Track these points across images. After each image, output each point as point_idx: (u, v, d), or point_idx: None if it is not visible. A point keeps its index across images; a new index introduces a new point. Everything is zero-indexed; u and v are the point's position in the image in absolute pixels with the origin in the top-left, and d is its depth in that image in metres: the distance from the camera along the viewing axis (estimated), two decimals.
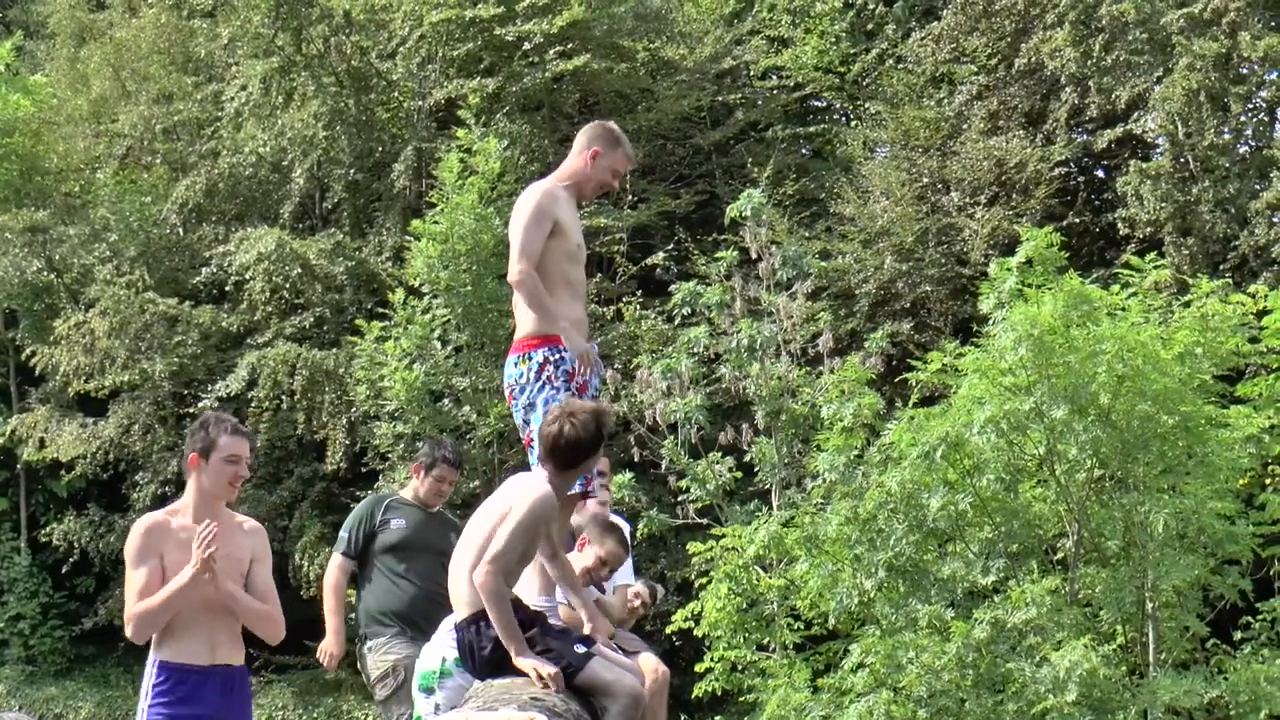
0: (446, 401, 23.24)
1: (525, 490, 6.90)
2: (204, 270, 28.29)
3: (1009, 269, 14.30)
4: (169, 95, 31.09)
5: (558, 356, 7.49)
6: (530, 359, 7.53)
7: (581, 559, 8.24)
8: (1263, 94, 22.81)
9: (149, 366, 27.31)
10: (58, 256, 29.68)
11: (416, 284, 23.18)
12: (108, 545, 27.73)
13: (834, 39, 26.92)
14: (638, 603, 8.88)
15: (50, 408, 28.86)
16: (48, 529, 28.66)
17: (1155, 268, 14.71)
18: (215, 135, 29.99)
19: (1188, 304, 14.59)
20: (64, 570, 28.42)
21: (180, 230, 29.77)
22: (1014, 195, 22.85)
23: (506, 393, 7.73)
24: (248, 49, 29.32)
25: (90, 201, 30.42)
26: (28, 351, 28.84)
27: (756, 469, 19.14)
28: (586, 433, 6.88)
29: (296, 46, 28.20)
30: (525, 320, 7.65)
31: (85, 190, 30.93)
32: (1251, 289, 15.09)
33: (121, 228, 29.13)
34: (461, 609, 6.94)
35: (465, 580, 6.89)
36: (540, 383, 7.49)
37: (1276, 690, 12.44)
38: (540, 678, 6.62)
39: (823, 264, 21.47)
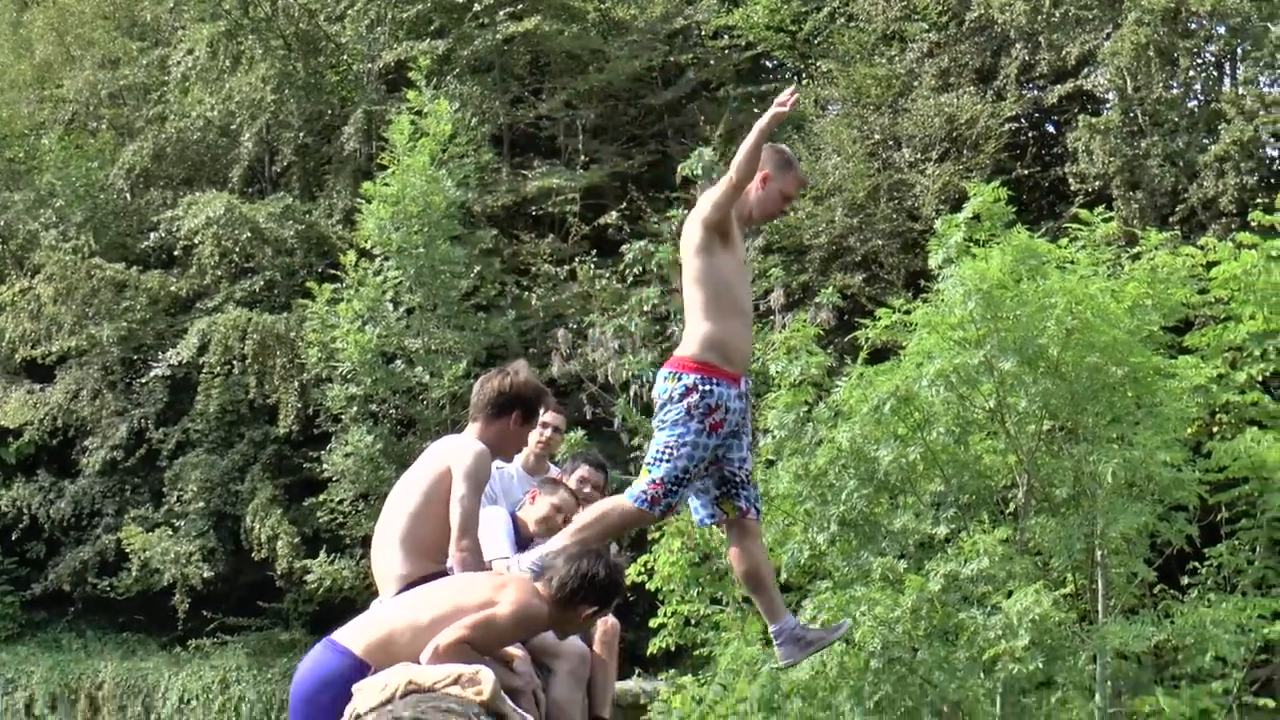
0: (399, 363, 23.16)
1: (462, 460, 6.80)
2: (152, 235, 28.12)
3: (957, 225, 14.33)
4: (114, 60, 30.81)
5: (707, 389, 7.09)
6: (680, 380, 7.14)
7: (535, 511, 8.20)
8: (1211, 48, 22.90)
9: (96, 332, 27.12)
10: (2, 223, 29.44)
11: (368, 246, 23.09)
12: (58, 511, 27.58)
13: None
14: (586, 488, 8.83)
15: None
16: None
17: (1104, 220, 14.78)
18: (162, 100, 29.73)
19: (1136, 257, 14.68)
20: (14, 537, 28.23)
21: (127, 195, 29.54)
22: (965, 151, 22.89)
23: (654, 402, 7.45)
24: (194, 12, 29.09)
25: (35, 167, 30.12)
26: None
27: None
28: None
29: (244, 9, 27.97)
30: (690, 341, 7.23)
31: (30, 156, 30.60)
32: (1201, 241, 15.19)
33: (67, 193, 28.86)
34: (390, 583, 6.78)
35: (395, 549, 6.81)
36: (681, 406, 7.17)
37: (1222, 633, 12.58)
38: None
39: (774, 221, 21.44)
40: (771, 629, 7.57)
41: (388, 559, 6.87)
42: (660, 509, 7.18)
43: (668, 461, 7.09)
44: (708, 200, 7.18)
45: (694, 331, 7.20)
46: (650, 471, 7.15)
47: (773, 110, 6.99)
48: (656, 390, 7.26)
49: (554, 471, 9.19)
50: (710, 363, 7.12)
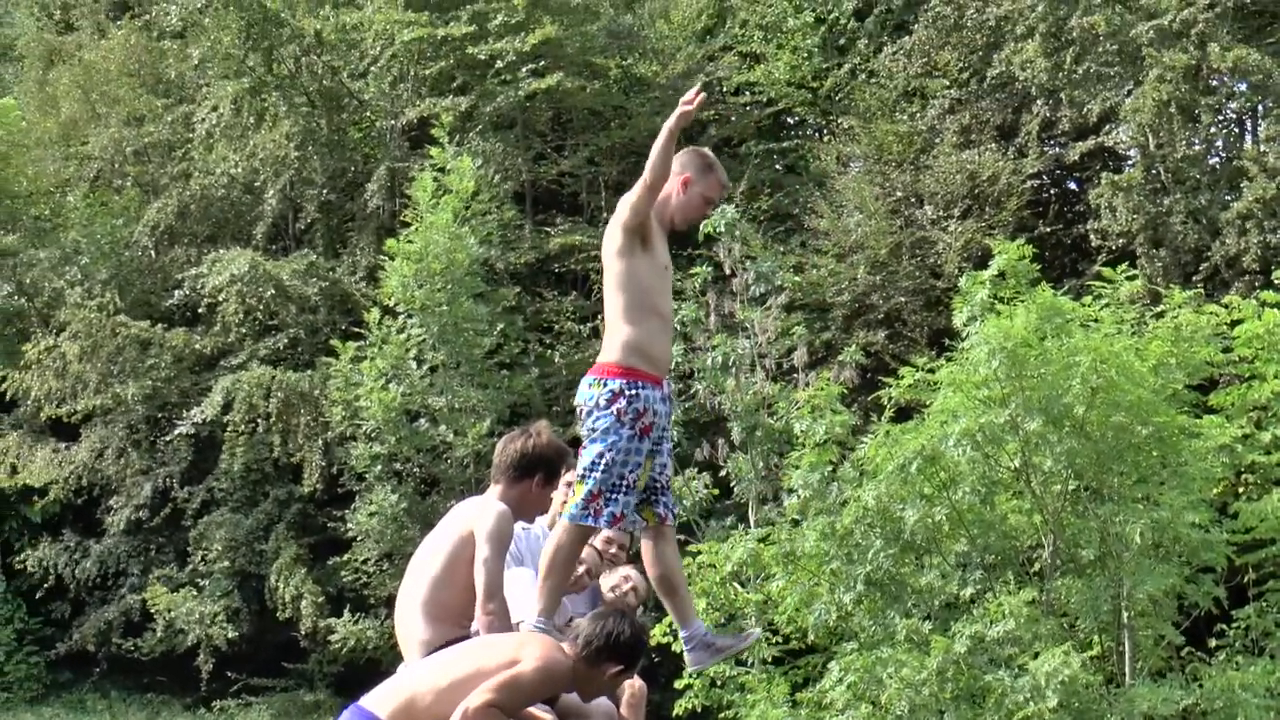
0: (423, 421, 23.18)
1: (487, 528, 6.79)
2: (176, 293, 28.18)
3: (981, 282, 14.35)
4: (139, 117, 30.98)
5: (633, 393, 7.05)
6: (605, 385, 7.07)
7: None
8: (1232, 105, 22.93)
9: (121, 390, 27.18)
10: (28, 280, 29.54)
11: (391, 304, 23.14)
12: (83, 570, 27.59)
13: (806, 54, 26.95)
14: (627, 585, 8.74)
15: (22, 433, 28.69)
16: (22, 555, 28.48)
17: (1128, 279, 14.78)
18: (186, 157, 29.88)
19: (1160, 315, 14.65)
20: (38, 596, 28.23)
21: (152, 253, 29.67)
22: (987, 208, 22.91)
23: (577, 410, 7.43)
24: (218, 70, 29.26)
25: (61, 225, 30.28)
26: None
27: (733, 484, 19.13)
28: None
29: (267, 67, 28.15)
30: (612, 347, 7.18)
31: (55, 213, 30.77)
32: (1224, 299, 15.16)
33: (92, 250, 29.00)
34: (414, 649, 6.78)
35: (418, 614, 6.80)
36: (609, 412, 7.17)
37: (1251, 697, 12.49)
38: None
39: (796, 278, 21.49)
40: (682, 634, 7.51)
41: (410, 624, 6.87)
42: (604, 519, 7.08)
43: (602, 471, 7.03)
44: (625, 204, 7.16)
45: (615, 336, 7.14)
46: (585, 484, 7.09)
47: (679, 110, 6.94)
48: (581, 398, 7.15)
49: None
50: (634, 366, 7.07)
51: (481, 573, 6.70)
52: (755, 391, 18.90)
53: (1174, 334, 14.08)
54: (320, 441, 25.25)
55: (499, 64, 26.04)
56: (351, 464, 23.89)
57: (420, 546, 7.07)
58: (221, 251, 27.20)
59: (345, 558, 23.85)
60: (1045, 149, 23.84)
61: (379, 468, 23.41)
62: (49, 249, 29.64)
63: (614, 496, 7.03)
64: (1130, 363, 13.07)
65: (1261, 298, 14.78)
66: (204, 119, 29.02)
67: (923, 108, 24.92)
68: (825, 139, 27.44)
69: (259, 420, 25.72)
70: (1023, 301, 13.64)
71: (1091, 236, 22.10)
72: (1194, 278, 20.52)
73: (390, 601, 23.26)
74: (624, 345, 7.10)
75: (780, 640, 15.77)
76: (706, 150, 7.51)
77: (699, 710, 16.21)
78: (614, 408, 7.01)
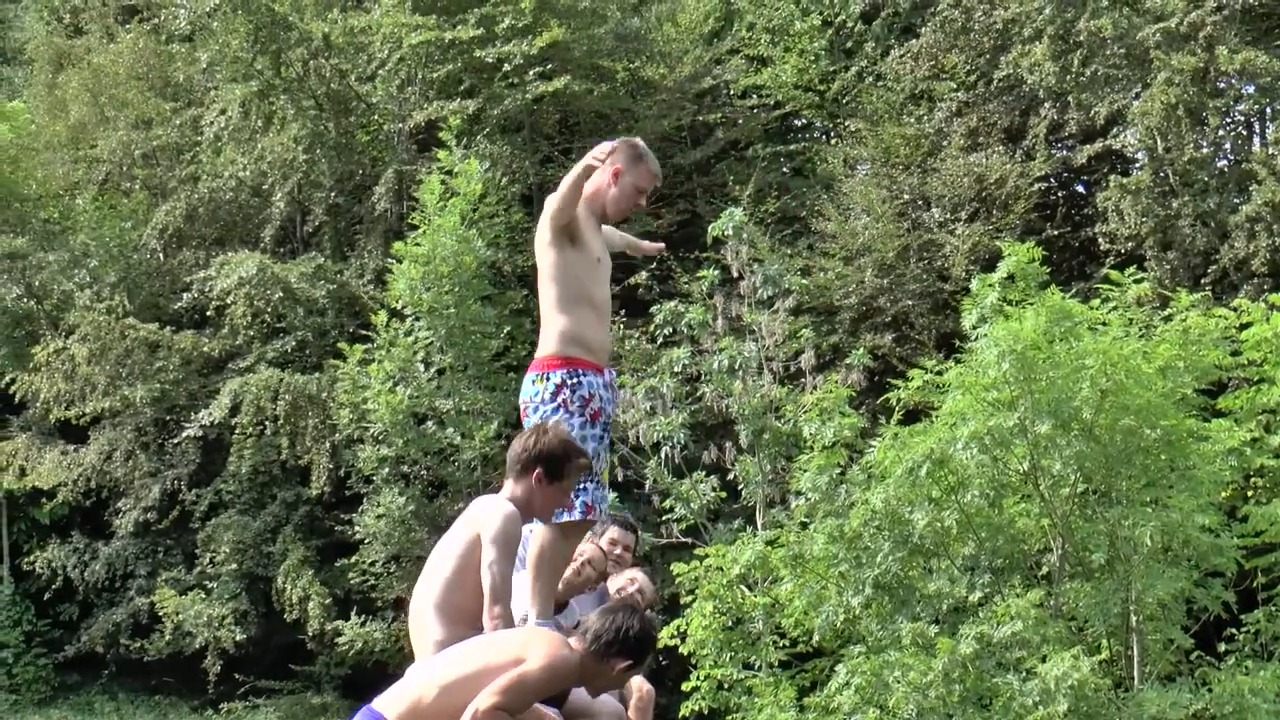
0: (430, 424, 23.18)
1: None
2: (185, 295, 28.22)
3: (990, 285, 14.34)
4: (148, 120, 31.02)
5: (575, 381, 7.08)
6: (548, 379, 7.10)
7: (566, 571, 8.14)
8: (1240, 107, 22.91)
9: (130, 393, 27.21)
10: (37, 283, 29.59)
11: (399, 306, 23.16)
12: (92, 573, 27.63)
13: (813, 57, 26.94)
14: (633, 588, 8.73)
15: (31, 435, 28.74)
16: (30, 557, 28.52)
17: (1136, 282, 14.77)
18: (195, 160, 29.94)
19: (1169, 318, 14.64)
20: (46, 598, 28.27)
21: (160, 255, 29.71)
22: (994, 211, 22.90)
23: (521, 409, 7.48)
24: (226, 73, 29.29)
25: (70, 227, 30.34)
26: (7, 379, 28.71)
27: (741, 487, 19.13)
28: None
29: (275, 70, 28.18)
30: (548, 339, 7.21)
31: (64, 216, 30.84)
32: (1233, 302, 15.15)
33: (101, 253, 29.05)
34: (427, 650, 6.77)
35: (431, 616, 6.80)
36: (555, 405, 7.22)
37: (1261, 702, 12.47)
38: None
39: (803, 281, 21.49)
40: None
41: (424, 626, 6.85)
42: (578, 512, 7.11)
43: None
44: (550, 202, 7.23)
45: (551, 328, 7.16)
46: None
47: (587, 160, 7.03)
48: (525, 395, 7.16)
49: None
50: (573, 355, 7.09)
51: (488, 577, 6.68)
52: (763, 394, 18.90)
53: (1183, 337, 14.07)
54: (328, 444, 25.28)
55: (506, 67, 26.03)
56: (359, 466, 23.90)
57: (436, 546, 7.07)
58: (230, 254, 27.23)
59: (353, 560, 23.86)
60: (1053, 152, 23.84)
61: (386, 470, 23.42)
62: (58, 252, 29.68)
63: (582, 485, 7.03)
64: (1139, 366, 13.05)
65: (1270, 301, 14.79)
66: (212, 122, 29.06)
67: (930, 110, 24.92)
68: (832, 142, 27.44)
69: (267, 423, 25.75)
70: (1031, 304, 13.63)
71: (1100, 239, 22.09)
72: (1202, 281, 20.51)
73: (398, 604, 23.31)
74: (560, 335, 7.11)
75: (788, 644, 15.76)
76: (637, 140, 7.53)
77: (705, 713, 16.20)
78: (560, 399, 7.04)
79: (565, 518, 7.04)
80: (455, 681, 6.12)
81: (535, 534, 7.25)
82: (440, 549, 7.01)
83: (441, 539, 7.09)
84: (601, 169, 7.22)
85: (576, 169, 7.01)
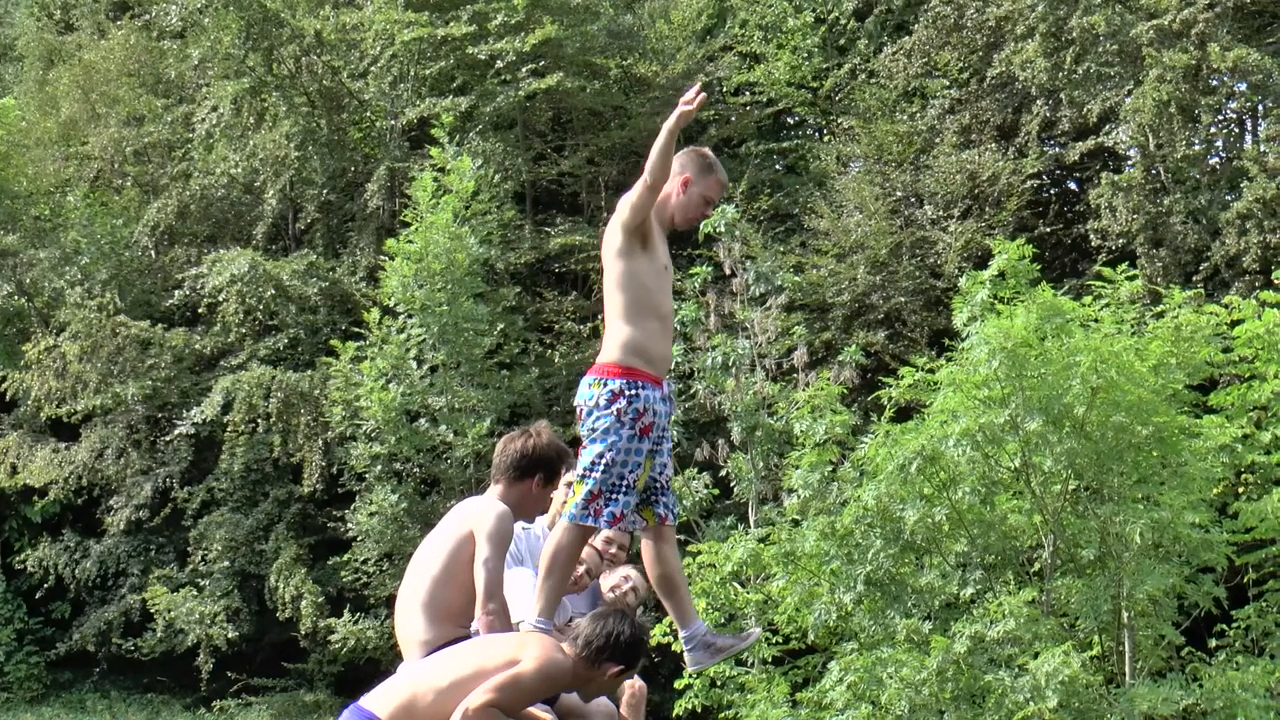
0: (423, 421, 23.18)
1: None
2: (176, 293, 28.19)
3: (981, 282, 14.36)
4: (139, 117, 31.00)
5: (634, 393, 7.03)
6: (605, 385, 7.05)
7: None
8: (1232, 105, 22.92)
9: (121, 390, 27.19)
10: (28, 280, 29.57)
11: (391, 304, 23.15)
12: (83, 571, 27.60)
13: (806, 54, 26.94)
14: (627, 585, 8.72)
15: (22, 433, 28.72)
16: (22, 555, 28.49)
17: (1128, 279, 14.78)
18: (186, 157, 29.91)
19: (1160, 315, 14.66)
20: (38, 596, 28.25)
21: (152, 253, 29.69)
22: (987, 208, 22.92)
23: (577, 412, 7.40)
24: (218, 70, 29.26)
25: (61, 225, 30.28)
26: None
27: (733, 484, 19.14)
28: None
29: (267, 67, 28.16)
30: (611, 346, 7.16)
31: (55, 213, 30.78)
32: (1224, 299, 15.16)
33: (92, 251, 29.01)
34: (414, 649, 6.77)
35: (418, 614, 6.79)
36: (610, 412, 7.18)
37: (1251, 697, 12.49)
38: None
39: (796, 278, 21.51)
40: (683, 634, 7.47)
41: (411, 624, 6.86)
42: (604, 519, 7.07)
43: (602, 471, 7.02)
44: (625, 204, 7.15)
45: (615, 336, 7.12)
46: (585, 484, 7.08)
47: (679, 110, 6.90)
48: (581, 398, 7.10)
49: None
50: (634, 366, 7.05)
51: (481, 573, 6.70)
52: (755, 391, 18.91)
53: (1174, 334, 14.09)
54: (320, 441, 25.27)
55: (499, 64, 26.04)
56: (351, 464, 23.91)
57: (420, 546, 7.07)
58: (221, 251, 27.23)
59: (345, 558, 23.86)
60: (1045, 149, 23.84)
61: (379, 468, 23.43)
62: (49, 249, 29.65)
63: (614, 497, 7.01)
64: (1130, 363, 13.06)
65: (1261, 297, 14.78)
66: (204, 119, 29.04)
67: (923, 108, 24.93)
68: (825, 139, 27.45)
69: (259, 420, 25.73)
70: (1023, 301, 13.65)
71: (1091, 236, 22.10)
72: (1194, 278, 20.52)
73: (390, 601, 23.27)
74: (624, 345, 7.07)
75: (780, 640, 15.77)
76: (707, 150, 7.45)
77: (699, 710, 16.21)
78: (614, 408, 6.98)
79: (590, 522, 7.01)
80: (451, 685, 6.15)
81: (554, 533, 7.24)
82: (427, 547, 7.02)
83: (426, 538, 7.10)
84: (671, 179, 7.14)
85: (662, 136, 6.83)
